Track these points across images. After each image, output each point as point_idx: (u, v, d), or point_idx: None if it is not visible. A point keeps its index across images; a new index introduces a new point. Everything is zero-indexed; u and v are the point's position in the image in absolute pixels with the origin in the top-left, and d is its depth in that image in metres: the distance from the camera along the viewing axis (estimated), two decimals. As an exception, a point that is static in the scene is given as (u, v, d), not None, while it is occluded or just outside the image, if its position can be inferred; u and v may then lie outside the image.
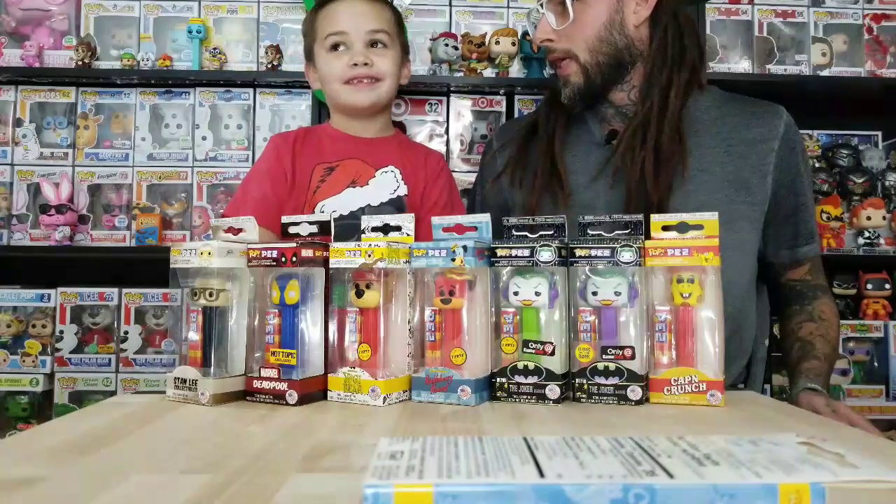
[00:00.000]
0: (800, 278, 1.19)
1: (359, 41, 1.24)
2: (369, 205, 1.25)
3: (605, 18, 1.14)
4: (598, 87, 1.17)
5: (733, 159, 1.13)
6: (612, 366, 0.76)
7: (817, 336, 1.14)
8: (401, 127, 1.79)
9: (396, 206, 1.25)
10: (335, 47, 1.26)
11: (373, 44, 1.26)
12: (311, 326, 0.79)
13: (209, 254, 0.78)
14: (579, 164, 1.18)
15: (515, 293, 0.79)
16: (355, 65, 1.23)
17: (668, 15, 1.15)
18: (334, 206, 1.24)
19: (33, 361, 1.72)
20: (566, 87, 1.19)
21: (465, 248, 0.76)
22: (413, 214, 0.87)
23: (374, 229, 0.87)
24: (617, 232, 0.82)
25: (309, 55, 1.34)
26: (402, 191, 1.27)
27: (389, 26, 1.29)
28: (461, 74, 1.78)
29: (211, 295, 0.79)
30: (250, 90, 1.80)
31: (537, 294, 0.78)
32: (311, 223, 0.89)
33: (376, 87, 1.26)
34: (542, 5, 1.17)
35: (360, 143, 1.30)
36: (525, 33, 1.77)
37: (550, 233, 0.83)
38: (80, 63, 1.74)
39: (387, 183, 1.28)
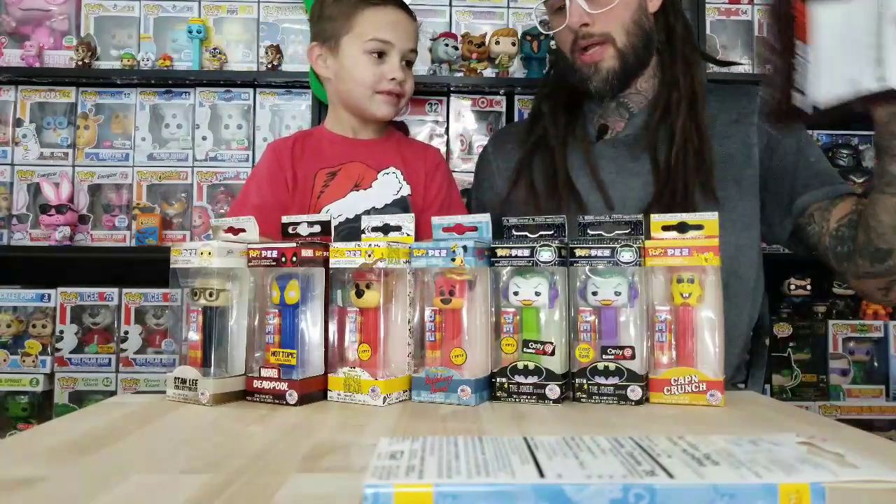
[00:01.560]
0: (848, 212, 1.09)
1: (398, 56, 1.25)
2: (374, 207, 1.25)
3: (637, 1, 1.14)
4: (630, 73, 1.16)
5: (717, 140, 1.15)
6: (612, 366, 0.76)
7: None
8: (403, 128, 1.79)
9: (402, 206, 1.26)
10: (378, 54, 1.25)
11: (406, 61, 1.28)
12: (311, 326, 0.79)
13: (209, 254, 0.78)
14: (577, 162, 1.19)
15: (515, 293, 0.79)
16: (393, 79, 1.24)
17: (673, 7, 1.19)
18: (340, 209, 1.24)
19: (33, 361, 1.72)
20: (596, 74, 1.14)
21: (465, 248, 0.76)
22: (413, 214, 0.87)
23: (374, 229, 0.87)
24: (617, 232, 0.82)
25: (325, 38, 1.29)
26: (406, 191, 1.28)
27: (416, 46, 1.31)
28: (461, 74, 1.78)
29: (211, 295, 0.79)
30: (250, 90, 1.80)
31: (537, 294, 0.78)
32: (311, 223, 0.89)
33: (399, 103, 1.28)
34: None
35: (359, 145, 1.30)
36: (526, 33, 1.77)
37: (550, 233, 0.83)
38: (80, 63, 1.74)
39: (389, 184, 1.28)
